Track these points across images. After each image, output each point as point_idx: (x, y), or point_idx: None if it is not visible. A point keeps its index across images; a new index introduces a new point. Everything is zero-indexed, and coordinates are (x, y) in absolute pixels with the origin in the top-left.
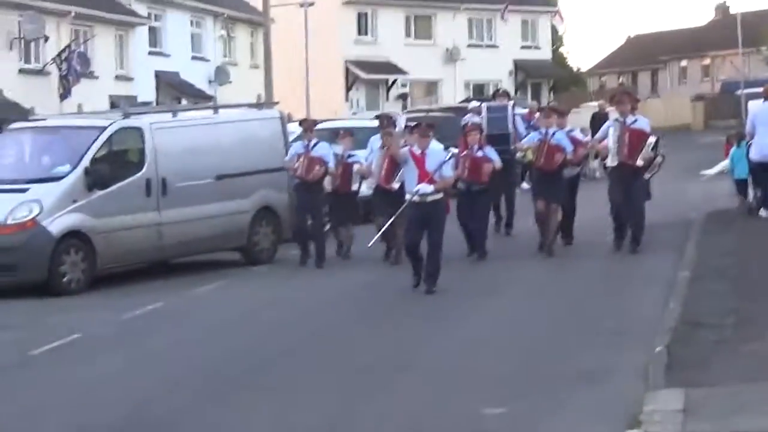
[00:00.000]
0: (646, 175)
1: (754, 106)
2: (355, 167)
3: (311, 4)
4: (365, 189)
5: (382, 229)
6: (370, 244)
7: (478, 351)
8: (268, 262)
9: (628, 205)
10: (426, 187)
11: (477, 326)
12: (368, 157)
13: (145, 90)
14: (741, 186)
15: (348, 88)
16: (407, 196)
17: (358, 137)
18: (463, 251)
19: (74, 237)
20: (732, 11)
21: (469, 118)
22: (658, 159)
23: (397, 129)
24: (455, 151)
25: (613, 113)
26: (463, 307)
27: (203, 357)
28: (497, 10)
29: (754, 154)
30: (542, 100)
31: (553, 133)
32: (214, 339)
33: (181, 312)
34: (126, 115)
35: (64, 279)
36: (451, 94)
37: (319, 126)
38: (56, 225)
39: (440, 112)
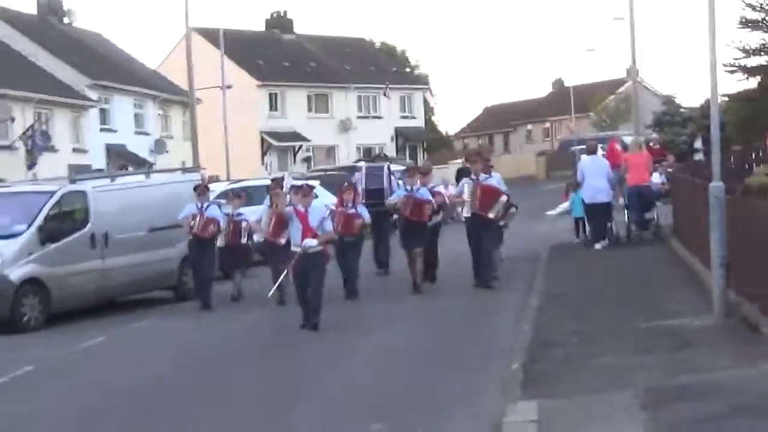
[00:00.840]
0: (502, 223)
1: (584, 159)
2: (243, 224)
3: (229, 87)
4: (257, 238)
5: (277, 282)
6: (269, 295)
7: (363, 377)
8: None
9: (480, 250)
10: (311, 242)
11: (361, 356)
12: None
13: (98, 159)
14: (579, 224)
15: (263, 154)
16: (293, 248)
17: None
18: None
19: (31, 283)
20: (567, 84)
21: (358, 176)
22: (512, 210)
23: (284, 189)
24: (332, 207)
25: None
26: (347, 340)
27: (131, 384)
28: (380, 88)
29: (586, 197)
30: (418, 159)
31: (418, 189)
32: (143, 367)
33: (120, 343)
34: (72, 181)
35: (24, 319)
36: (346, 156)
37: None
38: (16, 273)
39: (337, 171)
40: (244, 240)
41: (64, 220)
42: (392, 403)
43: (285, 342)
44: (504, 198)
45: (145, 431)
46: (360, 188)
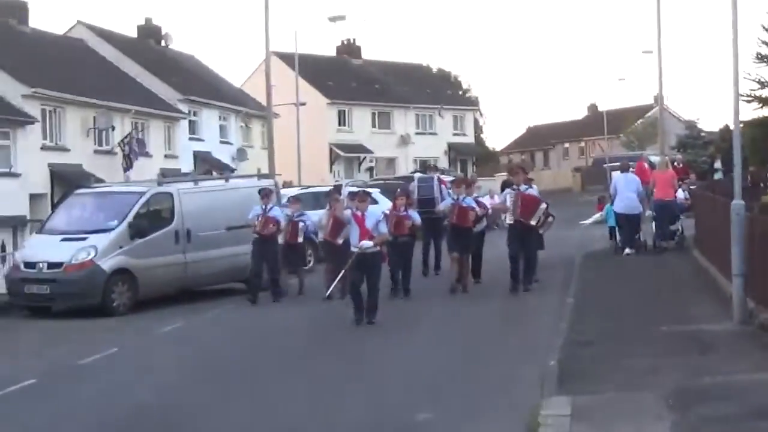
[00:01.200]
0: (541, 231)
1: (616, 175)
2: (301, 225)
3: (303, 104)
4: (319, 237)
5: (336, 280)
6: (327, 293)
7: (412, 368)
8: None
9: (523, 253)
10: (367, 243)
11: (410, 349)
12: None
13: (186, 165)
14: (611, 232)
15: (332, 163)
16: (353, 249)
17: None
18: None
19: (121, 273)
20: (600, 109)
21: (414, 184)
22: (550, 219)
23: (342, 195)
24: (387, 211)
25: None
26: (398, 334)
27: (205, 366)
28: (435, 108)
29: (618, 208)
30: (468, 171)
31: (464, 198)
32: (217, 351)
33: (196, 329)
34: (160, 183)
35: (114, 304)
36: (404, 168)
37: (304, 190)
38: (107, 264)
39: (394, 180)
40: (300, 239)
41: (151, 218)
42: (437, 393)
43: (341, 333)
44: (544, 206)
45: (217, 406)
46: (413, 197)
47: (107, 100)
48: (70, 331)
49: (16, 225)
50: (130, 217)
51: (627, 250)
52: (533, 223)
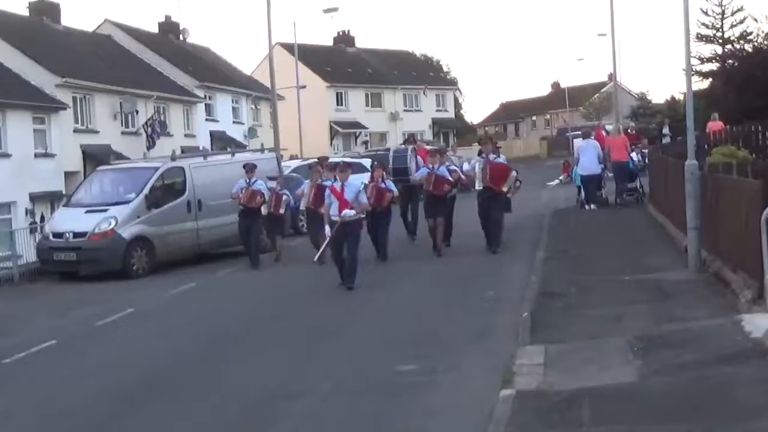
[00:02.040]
0: (509, 195)
1: (578, 142)
2: (284, 197)
3: (303, 87)
4: (302, 206)
5: (322, 247)
6: (315, 258)
7: (392, 323)
8: (268, 252)
9: (489, 218)
10: (350, 212)
11: (390, 306)
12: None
13: (204, 142)
14: (578, 190)
15: (331, 138)
16: (333, 218)
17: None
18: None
19: (139, 240)
20: (562, 86)
21: (390, 155)
22: (518, 183)
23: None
24: (366, 182)
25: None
26: (378, 293)
27: (213, 324)
28: (420, 89)
29: (582, 170)
30: (449, 142)
31: (438, 167)
32: (224, 309)
33: (207, 289)
34: (173, 159)
35: (133, 268)
36: (395, 140)
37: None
38: (127, 232)
39: (383, 151)
40: (282, 211)
41: (166, 190)
42: (419, 345)
43: (329, 292)
44: (514, 173)
45: (224, 358)
46: (389, 167)
47: (132, 87)
48: (92, 293)
49: (53, 200)
50: (146, 190)
51: (591, 206)
52: (505, 189)
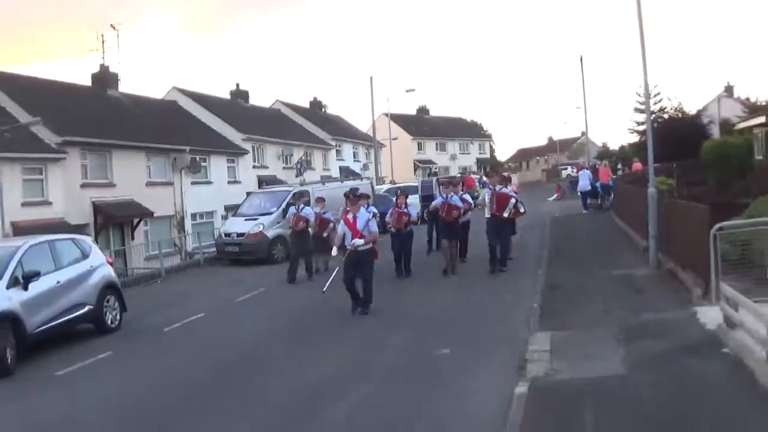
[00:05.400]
0: (507, 216)
1: (581, 172)
2: (329, 222)
3: (395, 139)
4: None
5: (332, 277)
6: (323, 290)
7: (427, 323)
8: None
9: (499, 241)
10: (358, 241)
11: (428, 307)
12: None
13: (335, 173)
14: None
15: (414, 170)
16: (348, 247)
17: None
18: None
19: (278, 238)
20: (554, 138)
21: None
22: (522, 210)
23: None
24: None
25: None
26: (411, 303)
27: (310, 308)
28: (468, 140)
29: (580, 189)
30: (483, 173)
31: (451, 197)
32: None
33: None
34: (302, 184)
35: (274, 256)
36: (454, 171)
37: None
38: (270, 233)
39: (446, 178)
40: (325, 234)
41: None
42: (448, 338)
43: (378, 295)
44: (513, 201)
45: (313, 334)
46: (419, 195)
47: (289, 140)
48: (242, 276)
49: (236, 211)
50: (283, 204)
51: (585, 210)
52: (505, 215)
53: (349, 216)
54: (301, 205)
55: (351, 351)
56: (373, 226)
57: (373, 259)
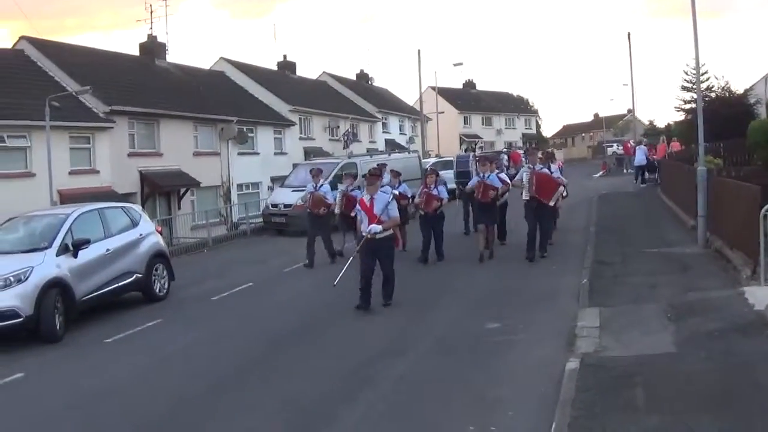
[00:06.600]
0: (558, 205)
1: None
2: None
3: (442, 113)
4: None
5: (344, 268)
6: (334, 283)
7: (481, 300)
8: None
9: (539, 225)
10: (376, 227)
11: (479, 281)
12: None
13: (381, 146)
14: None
15: (460, 144)
16: (364, 234)
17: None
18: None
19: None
20: (600, 115)
21: (454, 160)
22: (565, 194)
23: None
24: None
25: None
26: (452, 275)
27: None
28: (515, 114)
29: (636, 163)
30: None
31: (488, 176)
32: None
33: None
34: (350, 156)
35: None
36: (499, 146)
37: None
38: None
39: (492, 152)
40: (353, 214)
41: (341, 176)
42: (500, 309)
43: (424, 270)
44: (561, 188)
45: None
46: (453, 170)
47: (336, 112)
48: (288, 246)
49: (283, 182)
50: (331, 177)
51: (643, 185)
52: (552, 203)
53: (366, 198)
54: (320, 184)
55: (398, 325)
56: (394, 211)
57: (393, 248)
